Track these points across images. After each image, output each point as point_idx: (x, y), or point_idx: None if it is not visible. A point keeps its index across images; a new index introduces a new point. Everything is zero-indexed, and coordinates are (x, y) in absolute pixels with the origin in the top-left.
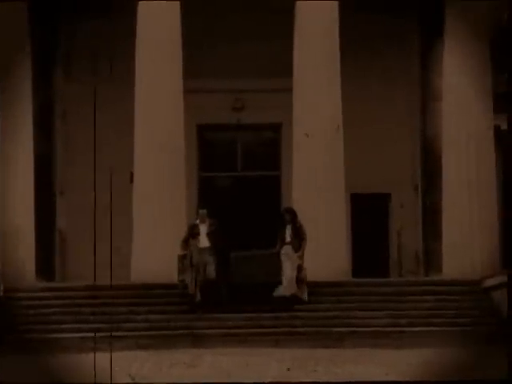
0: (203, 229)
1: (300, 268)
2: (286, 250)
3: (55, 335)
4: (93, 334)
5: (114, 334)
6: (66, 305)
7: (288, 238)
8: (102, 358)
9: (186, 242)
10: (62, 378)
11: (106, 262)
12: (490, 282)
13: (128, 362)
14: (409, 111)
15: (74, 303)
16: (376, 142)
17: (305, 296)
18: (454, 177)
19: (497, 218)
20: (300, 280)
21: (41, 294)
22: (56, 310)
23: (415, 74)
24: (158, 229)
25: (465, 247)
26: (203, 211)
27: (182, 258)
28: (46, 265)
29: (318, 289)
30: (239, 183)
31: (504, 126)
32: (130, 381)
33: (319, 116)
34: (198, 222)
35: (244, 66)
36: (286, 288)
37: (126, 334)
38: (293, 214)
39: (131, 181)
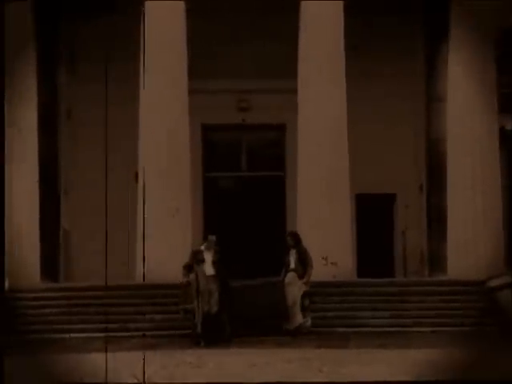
0: (208, 256)
1: (305, 295)
2: (290, 277)
3: (60, 335)
4: (97, 334)
5: (119, 334)
6: (70, 305)
7: (292, 264)
8: (107, 358)
9: (188, 268)
10: (65, 378)
11: (113, 261)
12: (494, 283)
13: (133, 362)
14: (413, 111)
15: (79, 303)
16: (381, 142)
17: (309, 324)
18: (458, 177)
19: (501, 218)
20: (304, 308)
21: (45, 294)
22: (60, 310)
23: (420, 74)
24: (163, 229)
25: (469, 247)
26: (212, 238)
27: (185, 286)
28: (50, 265)
29: (322, 289)
30: (244, 183)
31: (509, 127)
32: (135, 381)
33: (324, 116)
34: (203, 248)
35: (249, 66)
36: (290, 322)
37: (131, 334)
38: (296, 238)
39: (136, 181)
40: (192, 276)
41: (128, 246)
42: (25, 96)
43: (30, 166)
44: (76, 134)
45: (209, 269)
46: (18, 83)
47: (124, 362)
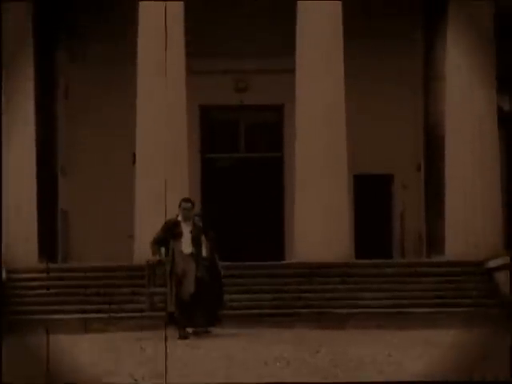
0: (187, 229)
1: None
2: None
3: (57, 316)
4: (95, 315)
5: (116, 315)
6: (68, 286)
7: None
8: (105, 338)
9: (159, 244)
10: (62, 358)
11: (112, 241)
12: (492, 264)
13: (131, 343)
14: (412, 91)
15: (77, 284)
16: (379, 122)
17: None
18: (456, 157)
19: (500, 199)
20: None
21: (43, 275)
22: (58, 290)
23: (418, 53)
24: (160, 210)
25: (467, 228)
26: (188, 205)
27: (154, 265)
28: (48, 246)
29: (320, 270)
30: (242, 164)
31: (506, 107)
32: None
33: (322, 97)
34: (179, 218)
35: (247, 46)
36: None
37: (128, 314)
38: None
39: (133, 162)
40: (163, 252)
41: (126, 226)
42: (22, 77)
43: (27, 147)
44: (74, 115)
45: (187, 245)
46: (16, 64)
47: (122, 343)
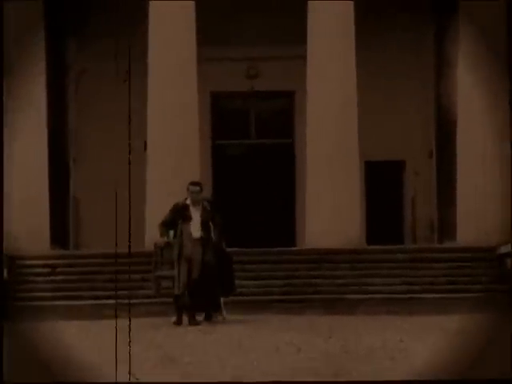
0: (196, 213)
1: None
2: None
3: (69, 302)
4: (106, 301)
5: (128, 301)
6: (80, 272)
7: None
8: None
9: (167, 226)
10: (73, 344)
11: (124, 228)
12: (503, 249)
13: (143, 329)
14: (423, 77)
15: (88, 271)
16: (390, 108)
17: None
18: (468, 143)
19: (511, 185)
20: None
21: (55, 262)
22: (70, 277)
23: (430, 40)
24: (171, 197)
25: (479, 214)
26: (195, 188)
27: (162, 248)
28: (60, 233)
29: (332, 256)
30: (252, 151)
31: None
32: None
33: (333, 83)
34: (188, 202)
35: (258, 33)
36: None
37: (140, 301)
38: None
39: (145, 149)
40: (171, 234)
41: (138, 213)
42: (34, 68)
43: (39, 134)
44: (85, 103)
45: (195, 229)
46: (27, 57)
47: (135, 329)
